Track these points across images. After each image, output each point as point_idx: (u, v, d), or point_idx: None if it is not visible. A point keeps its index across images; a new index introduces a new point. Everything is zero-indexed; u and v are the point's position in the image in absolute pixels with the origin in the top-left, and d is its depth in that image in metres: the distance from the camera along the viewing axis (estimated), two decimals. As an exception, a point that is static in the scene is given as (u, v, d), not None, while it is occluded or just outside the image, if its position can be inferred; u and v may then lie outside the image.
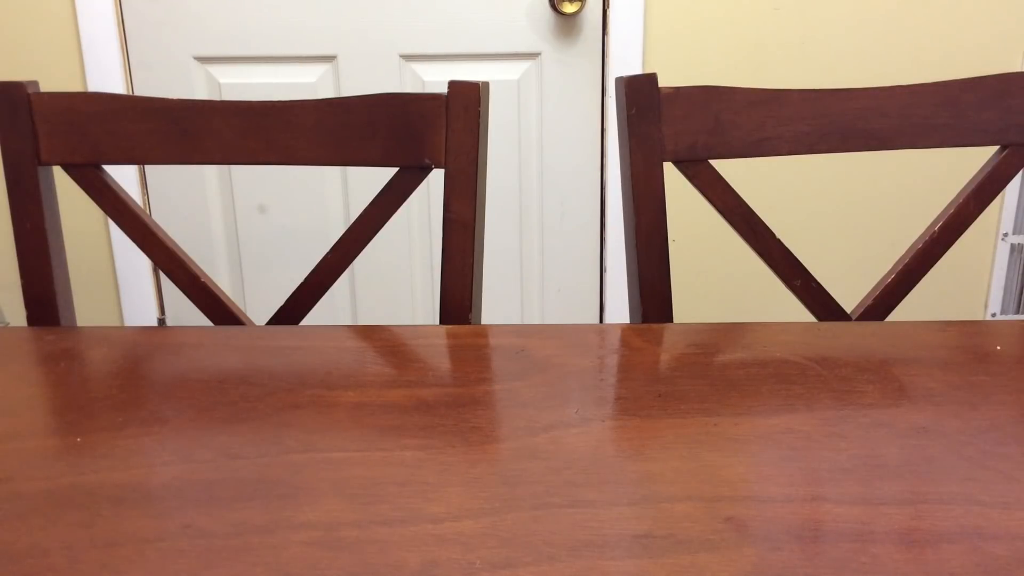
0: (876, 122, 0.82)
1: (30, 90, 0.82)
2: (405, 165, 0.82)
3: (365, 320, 1.77)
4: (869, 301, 0.85)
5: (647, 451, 0.49)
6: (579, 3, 1.56)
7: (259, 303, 1.76)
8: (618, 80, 0.81)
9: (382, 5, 1.59)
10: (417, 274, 1.75)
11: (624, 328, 0.69)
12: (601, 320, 1.78)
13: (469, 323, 0.80)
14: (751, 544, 0.40)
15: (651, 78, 0.80)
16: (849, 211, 1.69)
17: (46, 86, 1.59)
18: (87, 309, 1.72)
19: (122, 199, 0.84)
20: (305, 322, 1.64)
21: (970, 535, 0.41)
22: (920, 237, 0.85)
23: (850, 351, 0.63)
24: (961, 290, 1.74)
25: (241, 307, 1.59)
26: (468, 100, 0.80)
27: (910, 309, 1.75)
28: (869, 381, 0.58)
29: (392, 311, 1.77)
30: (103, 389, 0.58)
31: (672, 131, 0.81)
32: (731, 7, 1.58)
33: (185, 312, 1.75)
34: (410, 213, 1.71)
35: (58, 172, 1.59)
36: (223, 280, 1.75)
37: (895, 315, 1.69)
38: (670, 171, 1.62)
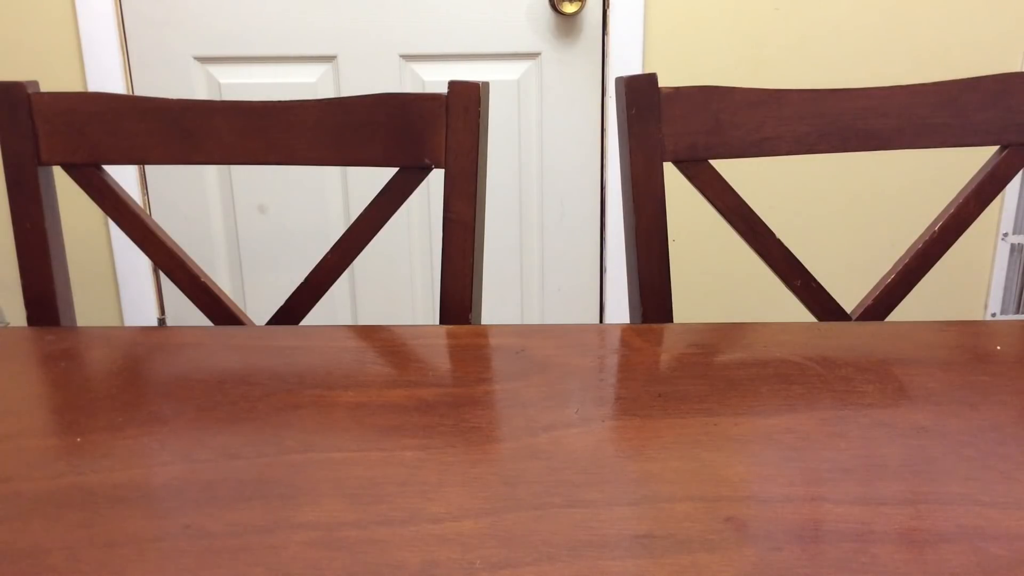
0: (876, 122, 0.82)
1: (30, 90, 0.82)
2: (405, 165, 0.82)
3: (365, 320, 1.77)
4: (869, 301, 0.85)
5: (647, 451, 0.49)
6: (579, 3, 1.56)
7: (259, 303, 1.76)
8: (618, 80, 0.81)
9: (382, 5, 1.59)
10: (417, 274, 1.75)
11: (624, 328, 0.69)
12: (601, 320, 1.78)
13: (469, 323, 0.80)
14: (751, 544, 0.40)
15: (651, 78, 0.80)
16: (849, 211, 1.69)
17: (46, 86, 1.59)
18: (87, 309, 1.72)
19: (122, 199, 0.84)
20: (305, 322, 1.64)
21: (970, 535, 0.41)
22: (920, 237, 0.85)
23: (850, 351, 0.63)
24: (961, 290, 1.74)
25: (241, 307, 1.59)
26: (468, 100, 0.80)
27: (910, 309, 1.75)
28: (869, 381, 0.58)
29: (392, 311, 1.77)
30: (103, 389, 0.58)
31: (672, 131, 0.81)
32: (731, 7, 1.58)
33: (185, 312, 1.75)
34: (410, 213, 1.71)
35: (58, 172, 1.59)
36: (223, 280, 1.75)
37: (895, 315, 1.69)
38: (670, 171, 1.62)
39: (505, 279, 1.76)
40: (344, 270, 0.84)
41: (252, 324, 0.76)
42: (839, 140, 0.82)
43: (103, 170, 0.85)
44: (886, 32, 1.59)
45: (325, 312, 1.77)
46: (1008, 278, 1.72)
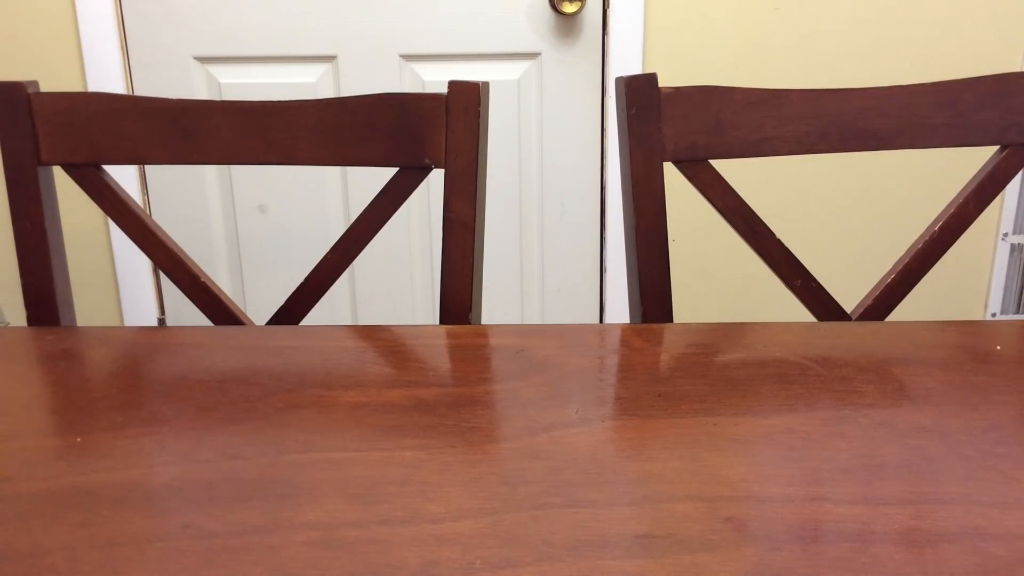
0: (876, 122, 0.82)
1: (30, 90, 0.82)
2: (405, 165, 0.82)
3: (365, 320, 1.77)
4: (869, 301, 0.85)
5: (647, 451, 0.49)
6: (579, 3, 1.56)
7: (259, 303, 1.76)
8: (618, 80, 0.81)
9: (382, 5, 1.59)
10: (417, 274, 1.75)
11: (624, 328, 0.69)
12: (601, 320, 1.78)
13: (469, 323, 0.80)
14: (751, 544, 0.40)
15: (651, 78, 0.80)
16: (849, 211, 1.69)
17: (46, 86, 1.59)
18: (87, 309, 1.72)
19: (122, 199, 0.84)
20: (305, 322, 1.64)
21: (970, 535, 0.41)
22: (920, 237, 0.85)
23: (850, 351, 0.63)
24: (961, 290, 1.74)
25: (241, 307, 1.59)
26: (468, 100, 0.80)
27: (910, 309, 1.75)
28: (869, 381, 0.58)
29: (392, 311, 1.77)
30: (103, 389, 0.58)
31: (672, 131, 0.81)
32: (731, 7, 1.58)
33: (185, 312, 1.75)
34: (410, 213, 1.71)
35: (58, 172, 1.59)
36: (223, 280, 1.75)
37: (895, 315, 1.69)
38: (670, 171, 1.62)
39: (505, 279, 1.76)
40: (344, 270, 0.84)
41: (252, 324, 0.76)
42: (839, 140, 0.82)
43: (103, 170, 0.85)
44: (886, 32, 1.59)
45: (325, 312, 1.77)
46: (1008, 278, 1.72)
